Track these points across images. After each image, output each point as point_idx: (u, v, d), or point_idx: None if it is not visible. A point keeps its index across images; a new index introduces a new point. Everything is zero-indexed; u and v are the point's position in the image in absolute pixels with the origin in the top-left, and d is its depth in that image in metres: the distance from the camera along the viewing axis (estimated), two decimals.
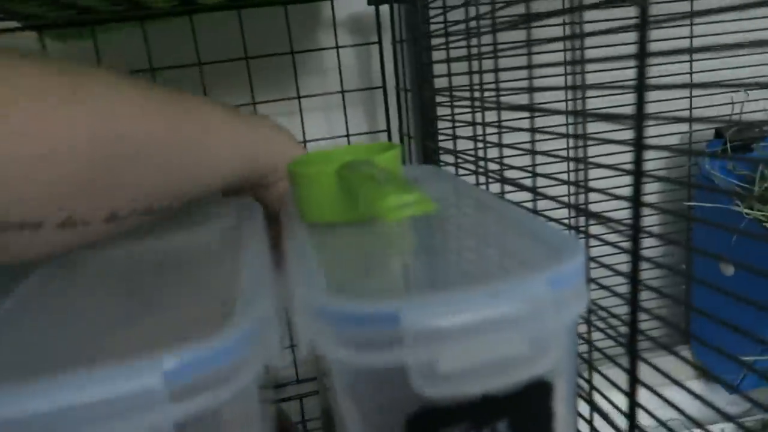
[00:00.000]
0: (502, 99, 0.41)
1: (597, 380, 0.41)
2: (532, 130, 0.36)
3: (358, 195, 0.29)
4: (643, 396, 0.36)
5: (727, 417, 0.30)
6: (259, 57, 0.64)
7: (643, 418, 0.35)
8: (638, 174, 0.25)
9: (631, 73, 0.26)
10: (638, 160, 0.25)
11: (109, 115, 0.28)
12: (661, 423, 0.34)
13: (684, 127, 0.83)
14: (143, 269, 0.35)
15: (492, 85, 0.43)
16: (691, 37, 0.78)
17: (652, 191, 0.83)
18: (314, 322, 0.25)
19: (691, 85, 0.23)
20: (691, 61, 0.81)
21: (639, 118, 0.24)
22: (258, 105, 0.65)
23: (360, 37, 0.71)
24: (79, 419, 0.19)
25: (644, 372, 0.34)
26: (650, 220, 0.84)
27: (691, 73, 0.81)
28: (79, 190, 0.28)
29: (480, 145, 0.49)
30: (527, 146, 0.38)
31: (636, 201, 0.26)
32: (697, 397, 0.31)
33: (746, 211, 0.73)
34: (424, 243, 0.35)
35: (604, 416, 0.37)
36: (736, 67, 0.82)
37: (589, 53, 0.31)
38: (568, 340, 0.26)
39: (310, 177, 0.35)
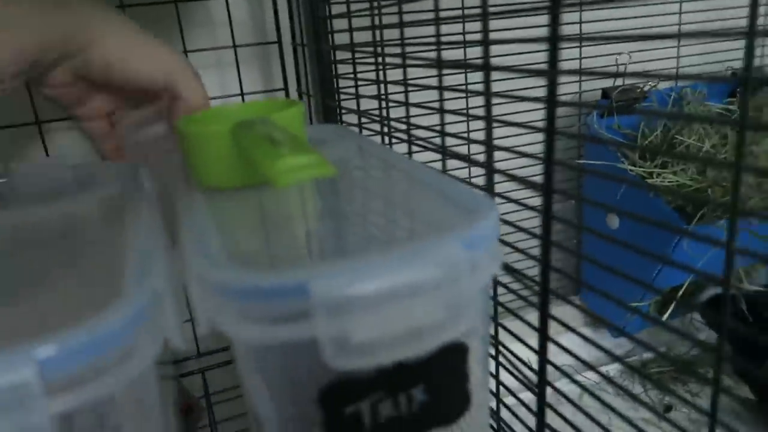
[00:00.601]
0: (408, 55, 0.40)
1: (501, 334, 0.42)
2: (440, 88, 0.35)
3: (252, 157, 0.27)
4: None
5: (614, 357, 0.31)
6: (137, 5, 0.58)
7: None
8: (551, 132, 0.25)
9: (535, 31, 0.26)
10: (551, 117, 0.25)
11: None
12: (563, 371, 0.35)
13: (575, 86, 0.87)
14: (18, 243, 0.31)
15: (396, 41, 0.41)
16: None
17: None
18: (214, 297, 0.23)
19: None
20: (580, 22, 0.84)
21: (552, 73, 0.24)
22: None
23: None
24: None
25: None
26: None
27: (580, 23, 0.84)
28: None
29: (384, 105, 0.48)
30: (435, 105, 0.37)
31: (548, 159, 0.26)
32: (589, 341, 0.33)
33: (630, 167, 0.77)
34: (329, 208, 0.33)
35: (515, 369, 0.38)
36: (621, 18, 0.87)
37: (495, 8, 0.31)
38: (482, 301, 0.26)
39: (202, 137, 0.32)
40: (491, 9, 0.30)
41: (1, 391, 0.17)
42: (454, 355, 0.25)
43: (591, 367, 0.34)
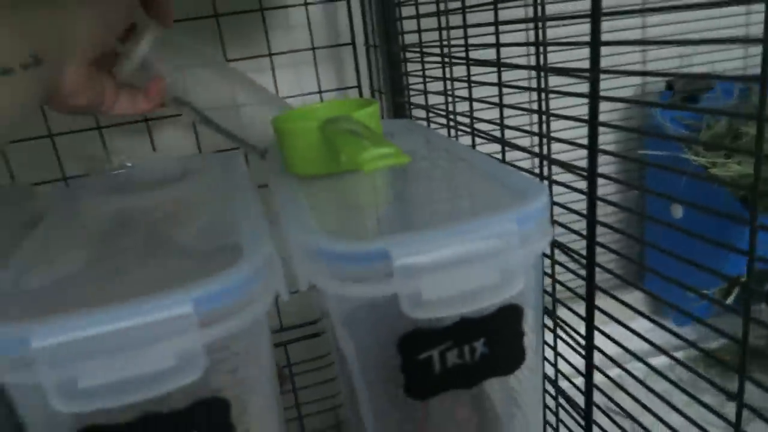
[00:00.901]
0: (471, 55, 0.44)
1: (561, 312, 0.46)
2: (499, 85, 0.39)
3: (339, 149, 0.32)
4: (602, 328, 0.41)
5: (687, 342, 0.34)
6: (228, 14, 0.65)
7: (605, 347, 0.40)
8: (593, 124, 0.29)
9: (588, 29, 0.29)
10: (594, 111, 0.29)
11: None
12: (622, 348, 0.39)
13: (638, 79, 0.88)
14: (139, 221, 0.38)
15: (461, 41, 0.46)
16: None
17: (609, 141, 0.88)
18: (313, 261, 0.28)
19: (642, 42, 0.26)
20: (642, 17, 0.85)
21: (594, 72, 0.28)
22: (230, 63, 0.66)
23: None
24: (124, 343, 0.22)
25: (606, 305, 0.39)
26: (609, 168, 0.89)
27: (643, 28, 0.85)
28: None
29: (450, 99, 0.52)
30: (495, 100, 0.41)
31: (592, 147, 0.30)
32: (659, 325, 0.35)
33: (693, 158, 0.78)
34: (400, 192, 0.38)
35: (566, 333, 0.42)
36: (683, 22, 0.86)
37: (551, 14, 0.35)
38: (534, 271, 0.30)
39: (295, 132, 0.38)
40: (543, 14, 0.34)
41: (167, 321, 0.23)
42: (510, 315, 0.30)
43: (662, 350, 0.36)
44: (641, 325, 0.35)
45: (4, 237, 0.38)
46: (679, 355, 0.34)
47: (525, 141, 0.40)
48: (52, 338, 0.22)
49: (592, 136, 0.30)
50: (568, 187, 0.36)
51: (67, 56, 0.36)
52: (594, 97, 0.28)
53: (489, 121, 0.43)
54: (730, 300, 0.79)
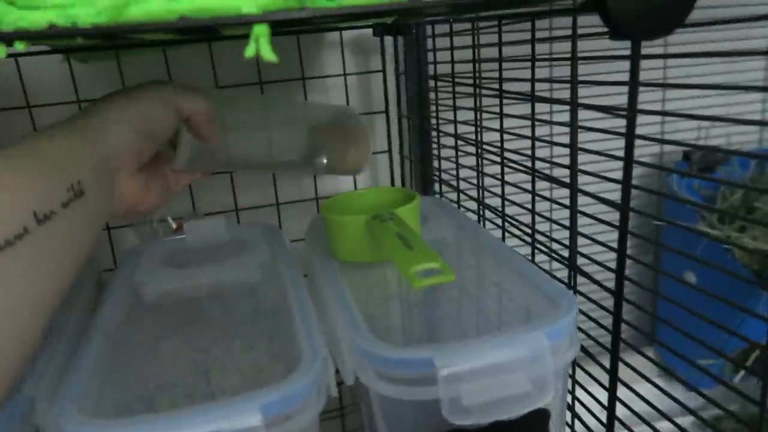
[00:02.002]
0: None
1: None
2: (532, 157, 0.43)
3: (389, 254, 0.35)
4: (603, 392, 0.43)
5: (689, 410, 0.37)
6: (272, 82, 0.69)
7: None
8: (629, 160, 0.33)
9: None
10: (629, 149, 0.33)
11: None
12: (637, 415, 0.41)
13: (656, 148, 0.91)
14: (200, 305, 0.41)
15: (494, 109, 0.49)
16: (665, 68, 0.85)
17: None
18: (361, 360, 0.31)
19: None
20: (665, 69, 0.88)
21: (632, 111, 0.31)
22: None
23: (361, 57, 0.77)
24: None
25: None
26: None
27: (663, 101, 0.88)
28: None
29: (480, 168, 0.56)
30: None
31: (626, 181, 0.33)
32: (665, 393, 0.38)
33: (708, 230, 0.81)
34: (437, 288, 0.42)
35: (585, 408, 0.45)
36: (702, 96, 0.90)
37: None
38: (563, 377, 0.33)
39: (343, 224, 0.41)
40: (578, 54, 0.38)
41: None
42: (539, 418, 0.32)
43: (690, 411, 0.38)
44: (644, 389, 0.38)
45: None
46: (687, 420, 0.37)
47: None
48: None
49: (627, 171, 0.33)
50: (598, 243, 0.40)
51: (114, 172, 0.35)
52: (630, 135, 0.32)
53: (516, 163, 0.47)
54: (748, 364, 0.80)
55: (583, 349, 0.46)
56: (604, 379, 0.42)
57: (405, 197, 0.45)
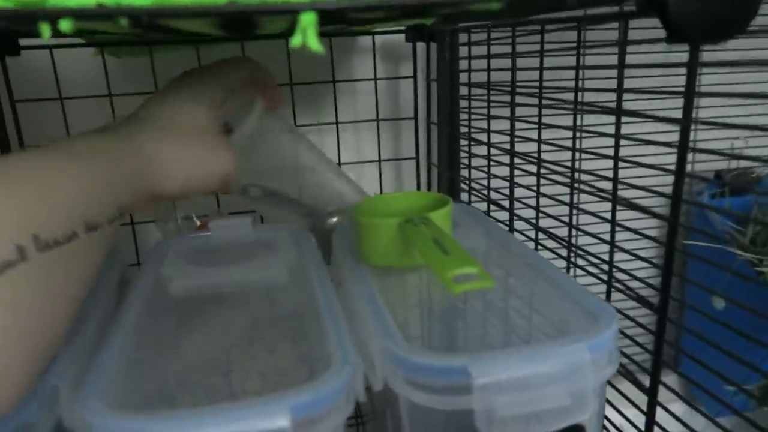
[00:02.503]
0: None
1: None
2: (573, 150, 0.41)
3: (424, 259, 0.34)
4: (633, 412, 0.42)
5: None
6: (303, 84, 0.69)
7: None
8: (680, 173, 0.32)
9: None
10: (682, 161, 0.31)
11: None
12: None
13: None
14: (224, 303, 0.40)
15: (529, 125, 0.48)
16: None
17: (652, 226, 0.89)
18: (392, 367, 0.30)
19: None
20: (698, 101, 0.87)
21: (687, 120, 0.30)
22: (298, 127, 0.70)
23: (391, 63, 0.76)
24: None
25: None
26: (648, 252, 0.90)
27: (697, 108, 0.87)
28: None
29: (511, 180, 0.55)
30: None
31: (676, 195, 0.32)
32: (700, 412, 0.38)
33: (739, 252, 0.79)
34: (471, 296, 0.41)
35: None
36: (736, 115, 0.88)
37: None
38: (600, 394, 0.32)
39: (376, 227, 0.40)
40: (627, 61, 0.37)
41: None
42: None
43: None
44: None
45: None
46: None
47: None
48: None
49: (678, 185, 0.32)
50: (641, 258, 0.38)
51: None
52: (683, 147, 0.31)
53: (558, 173, 0.46)
54: None
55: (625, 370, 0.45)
56: (636, 398, 0.41)
57: (436, 202, 0.44)
